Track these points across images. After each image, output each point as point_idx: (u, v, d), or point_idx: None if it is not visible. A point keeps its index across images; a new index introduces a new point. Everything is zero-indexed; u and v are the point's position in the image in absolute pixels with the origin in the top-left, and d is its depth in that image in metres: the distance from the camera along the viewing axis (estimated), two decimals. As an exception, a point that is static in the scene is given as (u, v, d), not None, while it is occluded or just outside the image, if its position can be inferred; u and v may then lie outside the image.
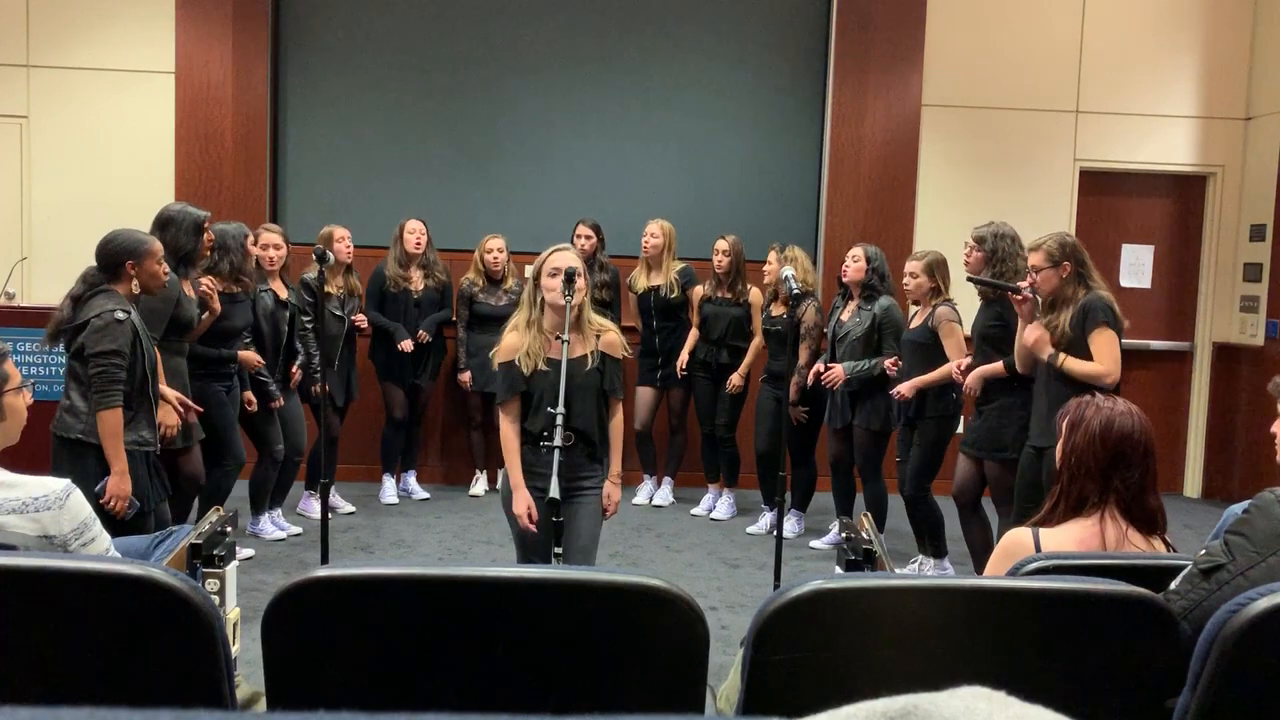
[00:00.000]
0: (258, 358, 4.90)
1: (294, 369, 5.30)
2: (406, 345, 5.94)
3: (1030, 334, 3.98)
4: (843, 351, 5.22)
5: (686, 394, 6.19)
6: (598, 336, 3.39)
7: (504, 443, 3.41)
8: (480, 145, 6.86)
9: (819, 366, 5.33)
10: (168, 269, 3.83)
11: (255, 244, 5.03)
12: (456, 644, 1.67)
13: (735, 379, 5.89)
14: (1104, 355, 3.85)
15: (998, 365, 4.38)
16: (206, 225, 4.46)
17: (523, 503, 3.33)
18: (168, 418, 4.05)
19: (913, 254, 5.18)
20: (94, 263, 3.62)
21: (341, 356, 5.68)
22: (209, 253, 4.61)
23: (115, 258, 3.60)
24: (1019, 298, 4.05)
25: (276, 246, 5.21)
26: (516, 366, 3.31)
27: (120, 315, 3.47)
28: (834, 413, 5.36)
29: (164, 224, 4.31)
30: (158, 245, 3.76)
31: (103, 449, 3.43)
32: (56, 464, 3.48)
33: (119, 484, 3.43)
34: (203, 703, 1.62)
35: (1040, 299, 4.05)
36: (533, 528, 3.33)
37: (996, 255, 4.53)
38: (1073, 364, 3.88)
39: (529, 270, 3.60)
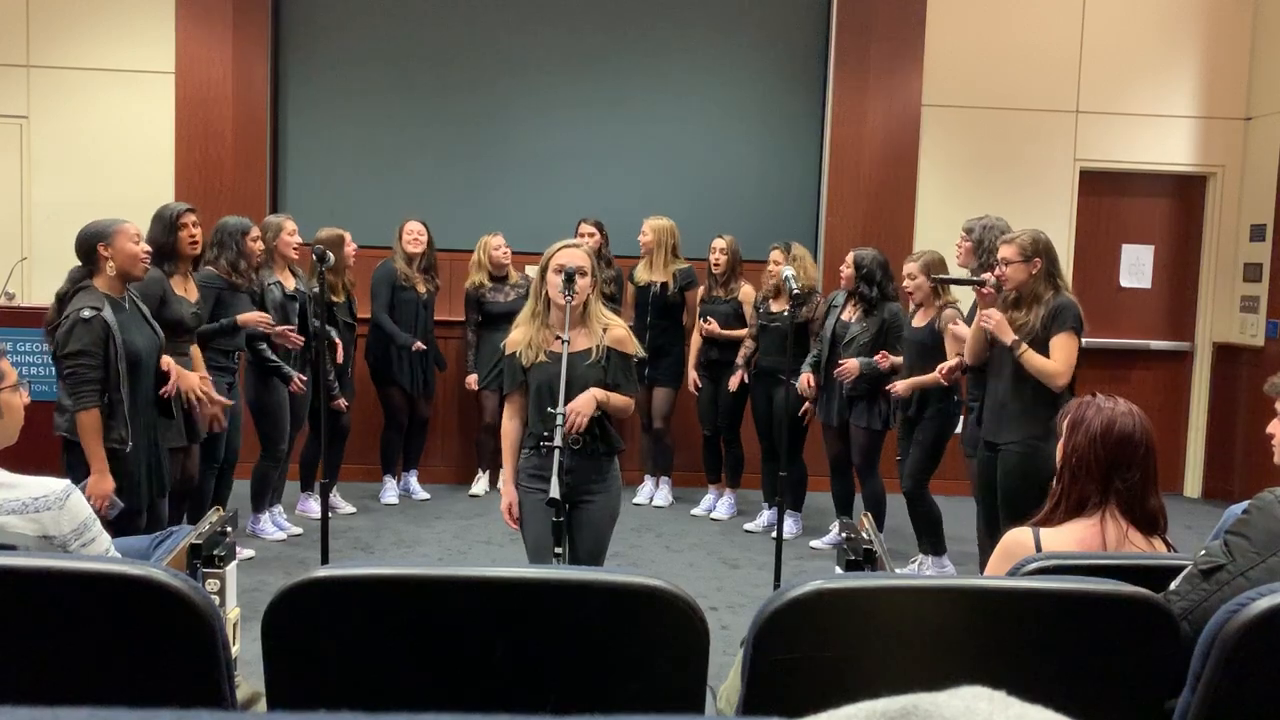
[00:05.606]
0: (267, 318, 4.86)
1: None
2: (419, 346, 5.93)
3: (993, 315, 3.95)
4: (849, 355, 5.20)
5: (674, 393, 6.18)
6: (604, 331, 3.30)
7: (503, 436, 3.40)
8: (481, 145, 6.86)
9: (808, 381, 5.35)
10: (148, 249, 3.73)
11: (255, 238, 4.95)
12: (456, 644, 1.67)
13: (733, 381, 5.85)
14: (1060, 357, 3.88)
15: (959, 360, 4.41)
16: (184, 218, 4.34)
17: (505, 499, 3.32)
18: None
19: (910, 255, 5.17)
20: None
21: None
22: (194, 248, 4.40)
23: (87, 243, 3.58)
24: (984, 290, 4.07)
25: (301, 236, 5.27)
26: (517, 359, 3.30)
27: (86, 314, 3.41)
28: (829, 411, 5.36)
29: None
30: (129, 225, 3.65)
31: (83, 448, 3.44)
32: (62, 462, 3.51)
33: (98, 483, 3.40)
34: (203, 703, 1.62)
35: (1005, 293, 4.03)
36: (513, 525, 3.32)
37: (983, 245, 4.59)
38: (1031, 357, 3.89)
39: (529, 269, 3.59)
